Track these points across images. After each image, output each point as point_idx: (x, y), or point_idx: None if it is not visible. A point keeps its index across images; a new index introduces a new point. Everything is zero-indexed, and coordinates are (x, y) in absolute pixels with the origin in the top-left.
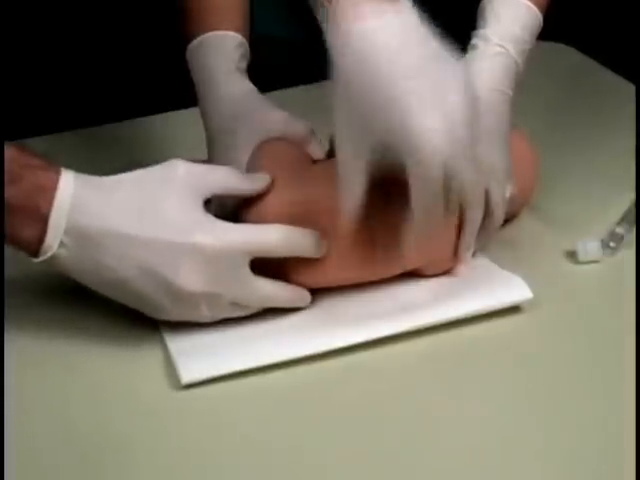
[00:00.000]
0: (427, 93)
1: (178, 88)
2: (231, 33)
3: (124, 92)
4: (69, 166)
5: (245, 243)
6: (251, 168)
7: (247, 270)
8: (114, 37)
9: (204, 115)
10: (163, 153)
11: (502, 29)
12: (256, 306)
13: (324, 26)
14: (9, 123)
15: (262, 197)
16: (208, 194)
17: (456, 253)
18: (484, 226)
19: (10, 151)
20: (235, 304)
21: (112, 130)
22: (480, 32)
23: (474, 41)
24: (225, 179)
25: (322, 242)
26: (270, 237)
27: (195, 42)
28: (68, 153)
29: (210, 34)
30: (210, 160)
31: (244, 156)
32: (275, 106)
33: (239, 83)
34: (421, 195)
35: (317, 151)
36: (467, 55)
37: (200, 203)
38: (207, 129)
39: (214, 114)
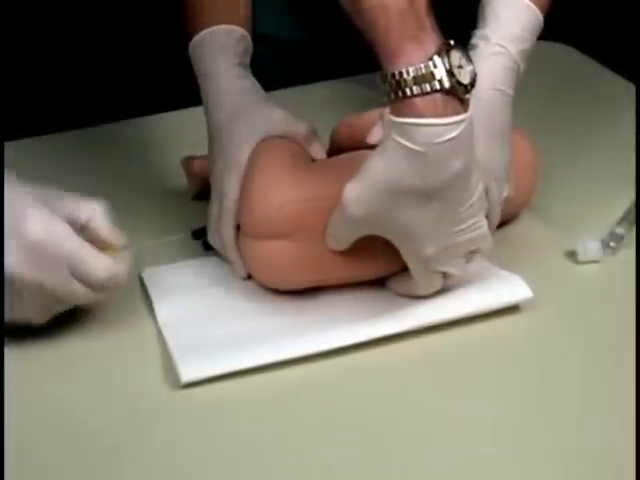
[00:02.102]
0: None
1: (177, 88)
2: (233, 27)
3: (123, 92)
4: (68, 166)
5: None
6: (251, 166)
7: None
8: (113, 37)
9: (206, 110)
10: (162, 153)
11: (502, 29)
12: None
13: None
14: (9, 123)
15: (263, 196)
16: None
17: None
18: None
19: None
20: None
21: (111, 130)
22: (480, 32)
23: (474, 41)
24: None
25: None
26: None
27: (197, 37)
28: (67, 153)
29: (212, 29)
30: (210, 156)
31: (244, 153)
32: (276, 105)
33: (241, 78)
34: (421, 279)
35: (319, 151)
36: None
37: None
38: (208, 124)
39: (215, 109)
